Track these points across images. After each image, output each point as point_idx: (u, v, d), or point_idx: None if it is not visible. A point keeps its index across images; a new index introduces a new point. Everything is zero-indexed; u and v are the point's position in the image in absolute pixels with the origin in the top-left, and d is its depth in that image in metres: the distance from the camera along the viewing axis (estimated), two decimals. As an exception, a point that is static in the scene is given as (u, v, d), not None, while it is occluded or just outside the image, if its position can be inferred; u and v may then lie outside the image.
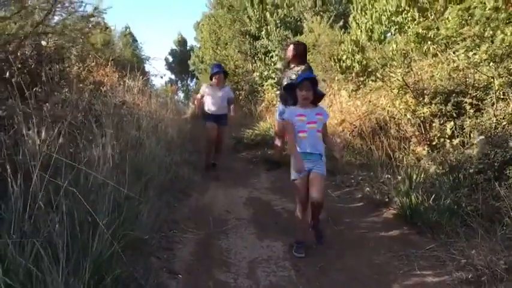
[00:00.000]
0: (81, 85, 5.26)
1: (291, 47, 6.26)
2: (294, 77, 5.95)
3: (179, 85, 35.12)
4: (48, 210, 2.62)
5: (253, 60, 14.19)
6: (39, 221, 2.56)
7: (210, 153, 6.93)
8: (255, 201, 5.41)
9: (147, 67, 15.13)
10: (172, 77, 36.11)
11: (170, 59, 36.30)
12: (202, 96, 6.79)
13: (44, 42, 4.45)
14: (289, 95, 4.16)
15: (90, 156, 3.39)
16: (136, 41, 23.60)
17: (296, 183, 3.86)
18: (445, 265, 3.43)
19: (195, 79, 30.13)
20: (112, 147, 3.76)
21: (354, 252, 3.86)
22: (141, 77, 7.33)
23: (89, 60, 5.95)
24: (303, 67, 6.08)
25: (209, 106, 6.71)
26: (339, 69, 7.08)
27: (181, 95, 31.01)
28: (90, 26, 4.55)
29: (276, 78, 11.44)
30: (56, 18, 4.25)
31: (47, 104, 3.86)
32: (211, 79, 6.82)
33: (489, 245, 3.40)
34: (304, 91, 3.93)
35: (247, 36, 14.54)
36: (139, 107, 6.59)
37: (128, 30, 24.49)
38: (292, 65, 6.21)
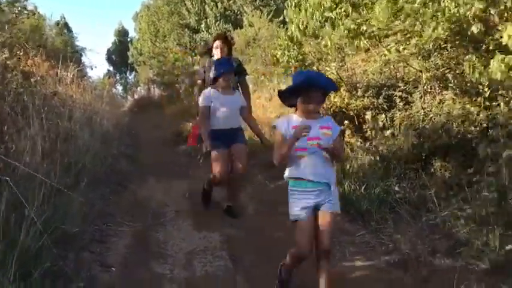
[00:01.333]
0: (9, 75, 5.00)
1: (218, 43, 5.22)
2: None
3: (118, 78, 34.10)
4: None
5: (193, 54, 14.07)
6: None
7: (211, 189, 4.77)
8: (194, 193, 5.38)
9: (84, 58, 14.62)
10: (111, 69, 35.02)
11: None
12: (209, 108, 4.44)
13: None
14: (284, 102, 2.93)
15: (18, 147, 3.24)
16: (72, 31, 22.70)
17: (298, 226, 2.72)
18: (374, 250, 3.60)
19: (134, 72, 29.37)
20: (42, 138, 3.62)
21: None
22: (74, 68, 7.03)
23: (16, 49, 5.64)
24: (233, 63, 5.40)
25: (216, 120, 4.45)
26: (275, 63, 7.18)
27: (119, 88, 30.12)
28: (16, 10, 4.31)
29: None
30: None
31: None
32: (215, 81, 4.58)
33: (415, 230, 3.61)
34: (312, 104, 2.73)
35: (186, 29, 14.38)
36: (72, 98, 6.35)
37: (63, 20, 23.47)
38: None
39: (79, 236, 3.22)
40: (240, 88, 5.26)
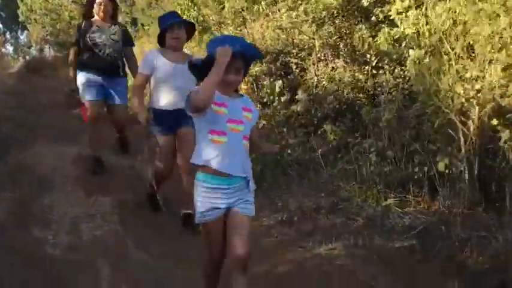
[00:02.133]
0: None
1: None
2: (112, 38, 4.36)
3: (8, 37, 31.15)
4: None
5: (91, 12, 13.19)
6: None
7: (159, 185, 3.78)
8: (86, 158, 5.14)
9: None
10: (1, 26, 31.84)
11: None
12: (148, 77, 3.45)
13: None
14: (199, 74, 2.22)
15: None
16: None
17: (206, 230, 2.26)
18: (265, 209, 3.72)
19: (26, 31, 26.98)
20: None
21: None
22: None
23: None
24: (117, 28, 4.45)
25: (162, 97, 3.43)
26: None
27: (9, 48, 27.55)
28: None
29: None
30: None
31: None
32: (161, 42, 3.51)
33: (303, 190, 3.79)
34: (232, 75, 2.17)
35: (83, -15, 13.39)
36: None
37: None
38: (100, 23, 4.40)
39: None
40: (125, 61, 4.53)
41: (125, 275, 2.83)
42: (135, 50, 8.83)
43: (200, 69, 2.18)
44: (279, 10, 5.20)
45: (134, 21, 10.69)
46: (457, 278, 2.62)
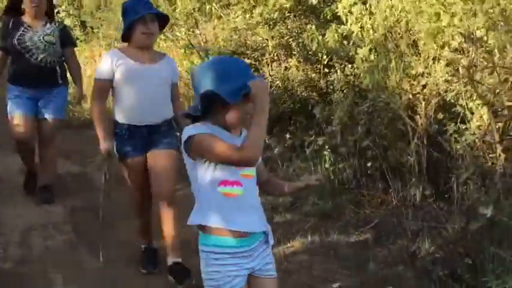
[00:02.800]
0: None
1: None
2: (46, 40, 3.64)
3: None
4: None
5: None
6: None
7: (144, 222, 3.00)
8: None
9: None
10: None
11: None
12: (109, 85, 2.72)
13: None
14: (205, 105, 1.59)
15: None
16: None
17: None
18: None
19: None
20: None
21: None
22: None
23: None
24: (53, 27, 3.75)
25: (126, 109, 2.73)
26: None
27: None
28: None
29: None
30: None
31: None
32: (125, 38, 2.74)
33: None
34: (239, 111, 1.61)
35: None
36: None
37: None
38: (32, 22, 3.67)
39: None
40: (66, 64, 3.89)
41: (78, 284, 2.76)
42: (85, 54, 8.63)
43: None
44: (234, 13, 5.21)
45: (83, 25, 10.42)
46: (410, 269, 2.71)
